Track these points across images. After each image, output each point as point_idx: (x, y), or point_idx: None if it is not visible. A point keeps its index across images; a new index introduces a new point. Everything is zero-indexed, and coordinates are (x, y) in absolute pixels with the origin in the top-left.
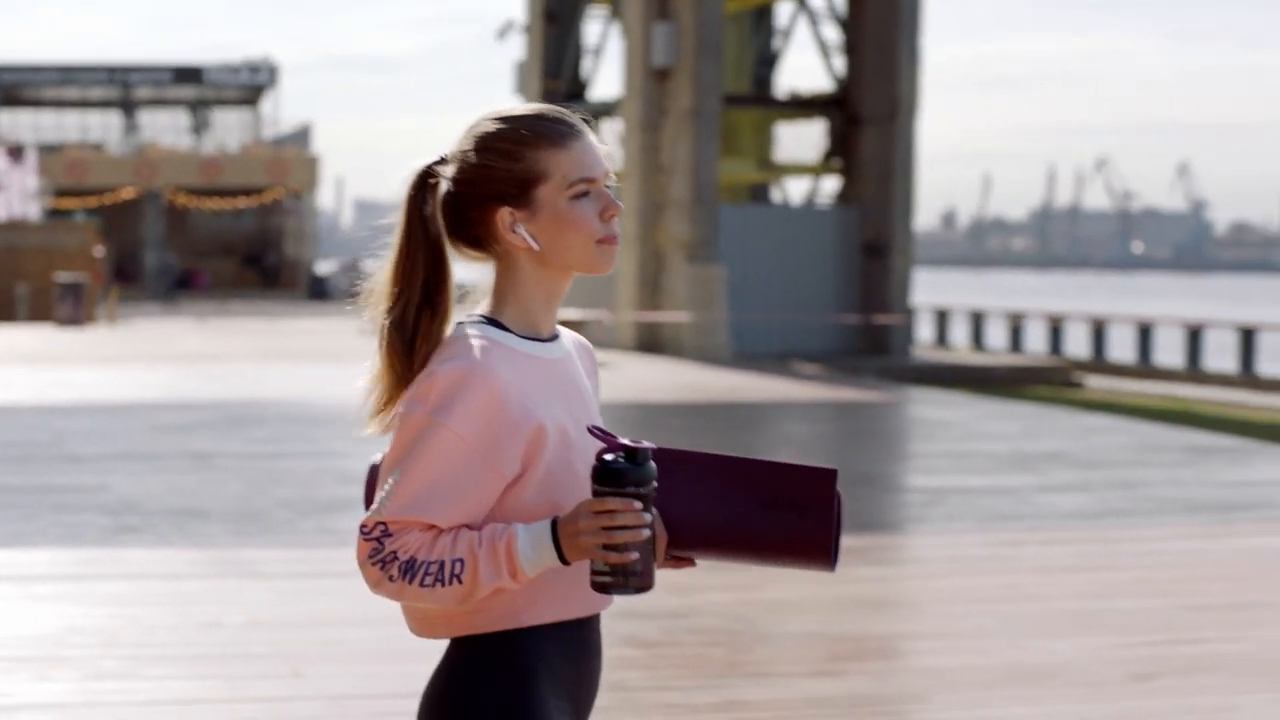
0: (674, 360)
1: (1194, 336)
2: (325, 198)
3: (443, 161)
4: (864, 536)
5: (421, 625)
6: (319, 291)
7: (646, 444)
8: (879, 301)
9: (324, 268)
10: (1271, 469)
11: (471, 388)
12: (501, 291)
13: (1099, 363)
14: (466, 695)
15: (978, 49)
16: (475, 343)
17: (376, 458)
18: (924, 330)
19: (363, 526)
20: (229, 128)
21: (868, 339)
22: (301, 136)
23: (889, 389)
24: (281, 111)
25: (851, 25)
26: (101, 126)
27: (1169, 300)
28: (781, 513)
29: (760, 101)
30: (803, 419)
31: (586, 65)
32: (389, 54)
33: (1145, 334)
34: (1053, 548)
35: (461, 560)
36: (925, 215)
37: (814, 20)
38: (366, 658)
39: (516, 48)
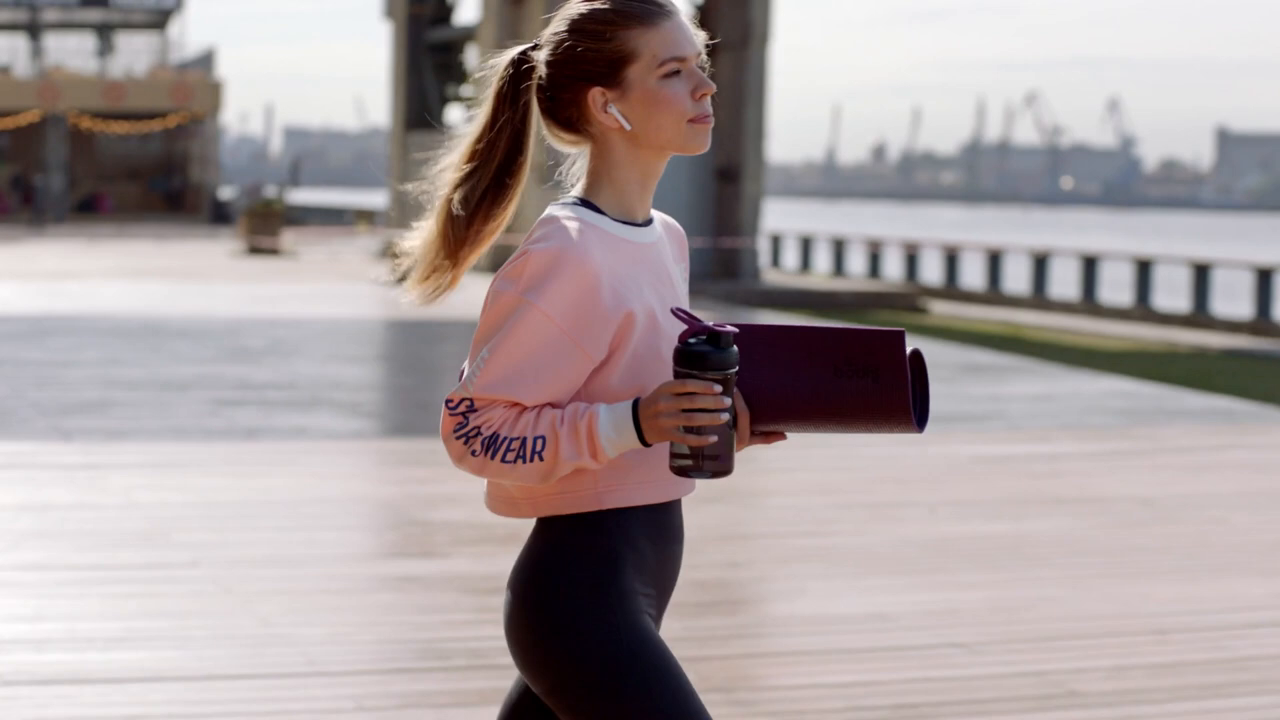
0: None
1: (1040, 265)
2: (254, 124)
3: (536, 47)
4: None
5: (504, 505)
6: (221, 216)
7: (730, 327)
8: (731, 226)
9: (226, 193)
10: (1028, 385)
11: (564, 269)
12: (596, 174)
13: (951, 289)
14: (553, 579)
15: None
16: (570, 225)
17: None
18: (790, 256)
19: (448, 401)
20: (136, 52)
21: (720, 263)
22: (205, 61)
23: (725, 310)
24: (191, 36)
25: None
26: (8, 50)
27: (1099, 235)
28: (857, 378)
29: None
30: None
31: None
32: None
33: (995, 262)
34: (753, 450)
35: (543, 437)
36: (855, 149)
37: None
38: (26, 537)
39: None
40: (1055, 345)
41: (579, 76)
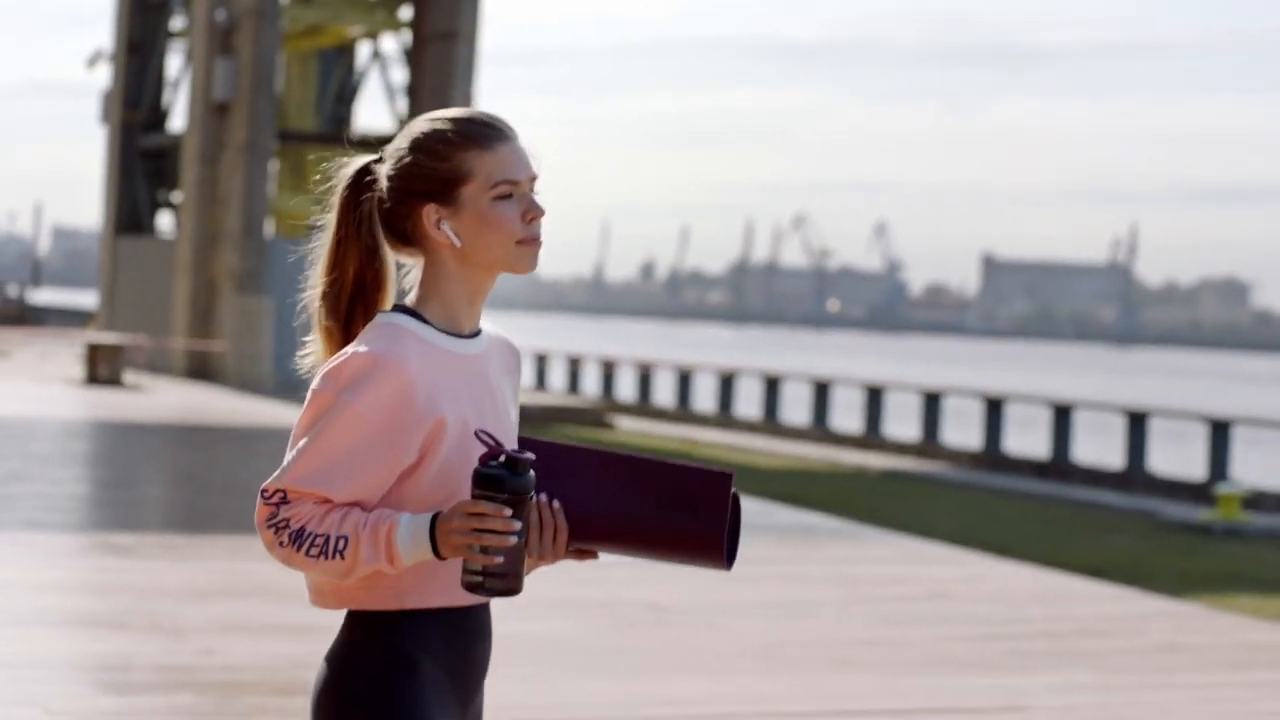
0: (213, 387)
1: (726, 384)
2: (23, 223)
3: (379, 160)
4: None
5: (315, 596)
6: None
7: (528, 455)
8: None
9: None
10: None
11: (381, 374)
12: (426, 286)
13: (643, 406)
14: (350, 685)
15: (684, 102)
16: (393, 332)
17: None
18: None
19: (263, 491)
20: None
21: None
22: None
23: None
24: None
25: (413, 68)
26: None
27: (856, 358)
28: (678, 512)
29: (319, 139)
30: (240, 442)
31: (168, 97)
32: (92, 79)
33: (685, 380)
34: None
35: (345, 537)
36: (624, 266)
37: (383, 63)
38: None
39: (104, 77)
40: (719, 462)
41: (415, 192)
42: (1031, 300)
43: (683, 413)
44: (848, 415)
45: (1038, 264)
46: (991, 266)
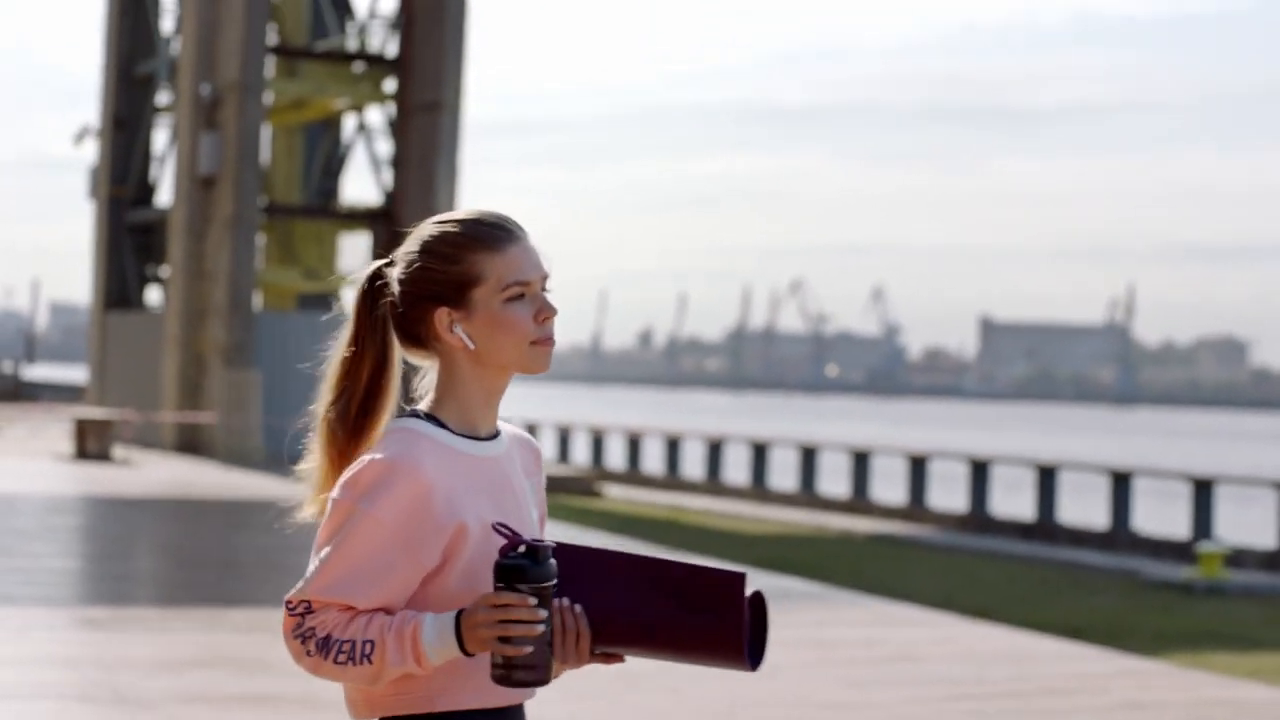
0: (202, 461)
1: (715, 451)
2: (20, 299)
3: (391, 264)
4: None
5: (349, 707)
6: None
7: (549, 543)
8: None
9: None
10: None
11: (398, 480)
12: (442, 389)
13: (632, 474)
14: None
15: (677, 168)
16: (409, 437)
17: None
18: None
19: (288, 603)
20: None
21: None
22: None
23: None
24: None
25: (398, 140)
26: None
27: (853, 423)
28: (696, 614)
29: (306, 212)
30: (227, 516)
31: (154, 171)
32: (83, 155)
33: (673, 447)
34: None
35: (372, 642)
36: (622, 335)
37: (368, 135)
38: None
39: (92, 152)
40: (703, 529)
41: (427, 296)
42: (1030, 362)
43: (672, 480)
44: (835, 480)
45: (1036, 326)
46: (990, 329)
